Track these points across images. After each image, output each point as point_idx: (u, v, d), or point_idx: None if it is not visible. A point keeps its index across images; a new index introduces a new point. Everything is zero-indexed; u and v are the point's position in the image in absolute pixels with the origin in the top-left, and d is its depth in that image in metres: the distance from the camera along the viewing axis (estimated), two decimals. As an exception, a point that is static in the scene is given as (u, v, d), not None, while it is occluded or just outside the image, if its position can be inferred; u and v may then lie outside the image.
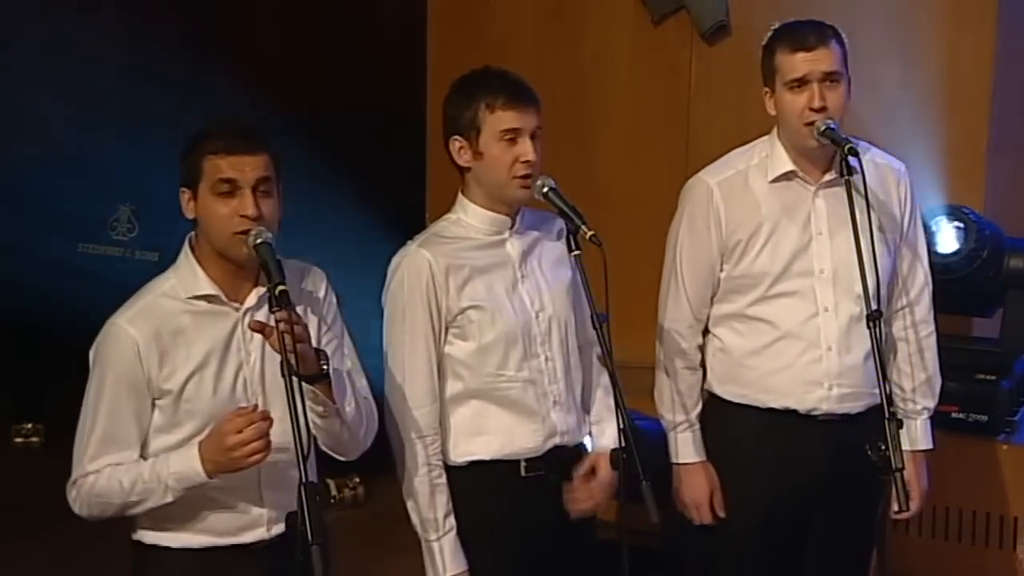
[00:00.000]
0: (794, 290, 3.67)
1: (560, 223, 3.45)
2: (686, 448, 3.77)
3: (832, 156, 3.64)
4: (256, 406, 3.09)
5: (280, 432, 3.11)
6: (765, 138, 3.74)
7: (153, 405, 3.14)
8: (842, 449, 3.68)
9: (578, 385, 3.58)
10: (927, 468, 3.82)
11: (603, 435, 3.56)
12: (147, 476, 3.10)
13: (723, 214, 3.68)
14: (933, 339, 3.83)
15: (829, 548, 3.78)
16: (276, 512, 3.17)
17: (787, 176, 3.67)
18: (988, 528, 4.57)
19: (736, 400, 3.76)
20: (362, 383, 3.30)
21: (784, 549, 3.78)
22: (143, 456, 3.15)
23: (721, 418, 3.79)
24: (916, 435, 3.79)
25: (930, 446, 3.83)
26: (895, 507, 3.64)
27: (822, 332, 3.66)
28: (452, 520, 3.43)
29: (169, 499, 3.10)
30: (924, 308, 3.80)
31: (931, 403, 3.83)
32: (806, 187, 3.67)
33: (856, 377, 3.68)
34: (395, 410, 3.42)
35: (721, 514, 3.76)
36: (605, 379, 3.53)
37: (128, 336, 3.11)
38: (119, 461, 3.12)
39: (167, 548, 3.19)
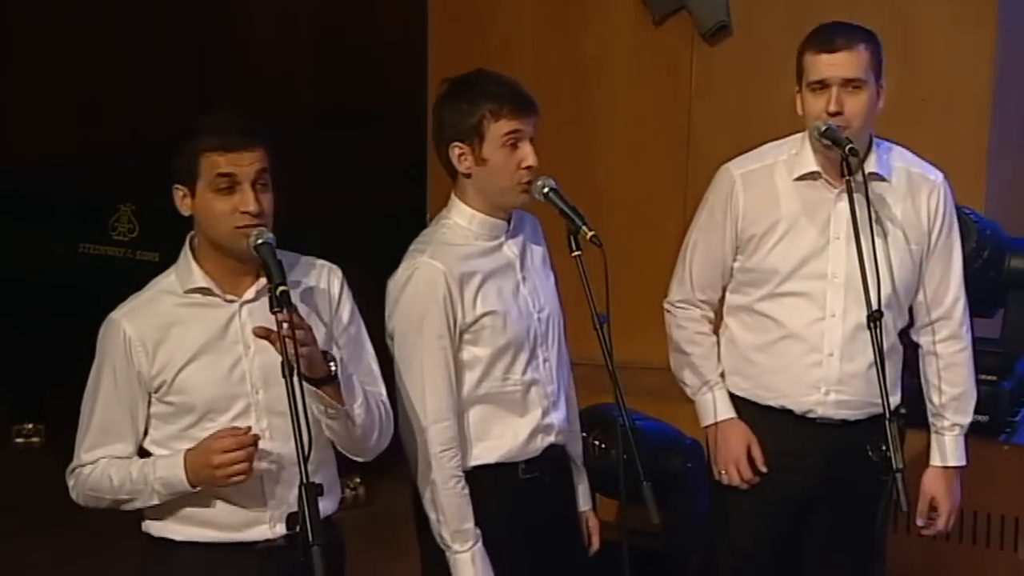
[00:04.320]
0: (803, 291, 3.65)
1: (533, 221, 3.48)
2: (713, 407, 3.74)
3: (859, 159, 3.56)
4: (249, 428, 3.10)
5: (284, 427, 3.11)
6: (799, 135, 3.69)
7: (149, 400, 3.16)
8: (841, 453, 3.69)
9: (566, 382, 3.58)
10: (960, 484, 3.75)
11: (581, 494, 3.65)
12: (135, 476, 3.14)
13: (741, 206, 3.68)
14: (966, 355, 3.73)
15: (828, 551, 3.77)
16: (280, 509, 3.17)
17: (812, 176, 3.64)
18: (988, 528, 4.57)
19: (739, 394, 3.76)
20: (380, 388, 3.27)
21: (784, 549, 3.77)
22: (144, 447, 3.18)
23: None
24: (945, 450, 3.73)
25: (961, 462, 3.74)
26: (919, 521, 3.71)
27: (825, 337, 3.64)
28: (478, 530, 3.38)
29: (156, 501, 3.14)
30: (955, 323, 3.70)
31: (963, 419, 3.73)
32: (830, 189, 3.63)
33: (857, 385, 3.65)
34: (413, 425, 3.35)
35: (763, 469, 3.71)
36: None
37: (121, 330, 3.14)
38: (114, 454, 3.17)
39: (172, 541, 3.20)
